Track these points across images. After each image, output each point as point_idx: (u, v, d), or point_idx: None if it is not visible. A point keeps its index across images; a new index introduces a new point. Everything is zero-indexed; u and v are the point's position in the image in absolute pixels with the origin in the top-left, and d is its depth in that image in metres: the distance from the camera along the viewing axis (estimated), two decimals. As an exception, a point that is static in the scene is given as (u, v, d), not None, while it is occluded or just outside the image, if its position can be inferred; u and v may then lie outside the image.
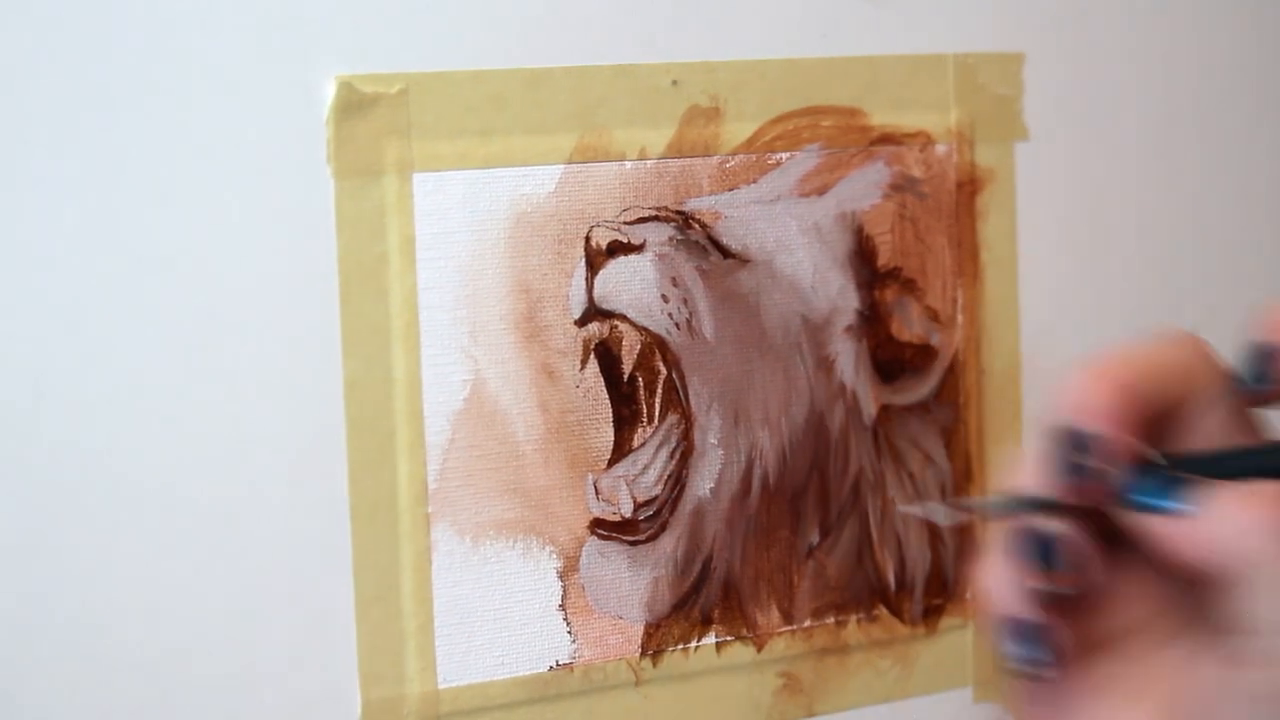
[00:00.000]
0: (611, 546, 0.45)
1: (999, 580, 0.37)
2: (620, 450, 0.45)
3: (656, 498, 0.45)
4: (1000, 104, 0.49)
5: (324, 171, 0.42)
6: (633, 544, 0.45)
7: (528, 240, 0.43)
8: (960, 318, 0.49)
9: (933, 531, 0.49)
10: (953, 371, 0.48)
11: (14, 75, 0.39)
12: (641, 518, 0.45)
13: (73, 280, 0.40)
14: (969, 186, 0.49)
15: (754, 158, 0.46)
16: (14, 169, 0.39)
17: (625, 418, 0.45)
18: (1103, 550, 0.38)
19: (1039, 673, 0.37)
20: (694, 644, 0.46)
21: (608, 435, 0.45)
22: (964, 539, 0.49)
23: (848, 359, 0.47)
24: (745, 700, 0.47)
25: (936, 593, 0.49)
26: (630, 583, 0.45)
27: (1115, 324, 0.51)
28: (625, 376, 0.45)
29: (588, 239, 0.44)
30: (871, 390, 0.47)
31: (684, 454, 0.45)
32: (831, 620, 0.47)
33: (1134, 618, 0.39)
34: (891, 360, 0.48)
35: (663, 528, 0.45)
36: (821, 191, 0.47)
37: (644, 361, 0.45)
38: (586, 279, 0.44)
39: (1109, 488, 0.37)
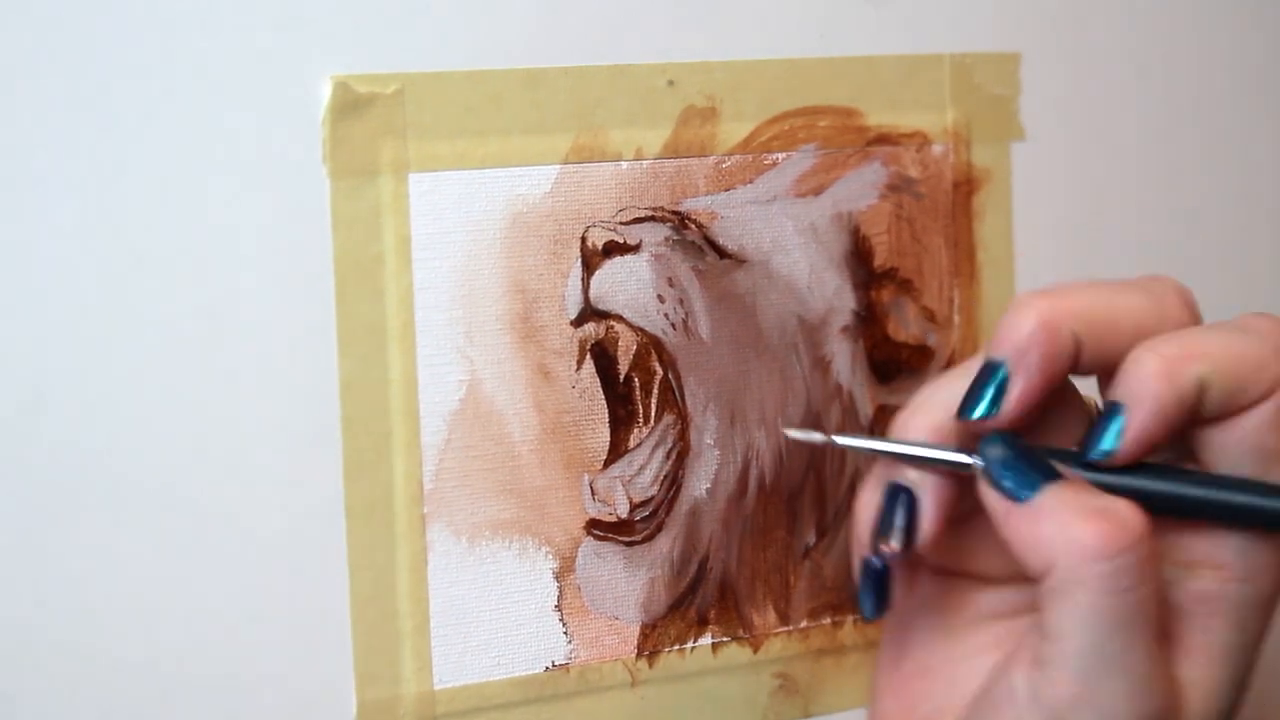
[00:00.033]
0: (607, 547, 0.45)
1: (862, 519, 0.38)
2: (616, 451, 0.45)
3: (653, 498, 0.45)
4: (997, 104, 0.49)
5: (319, 171, 0.42)
6: (629, 545, 0.45)
7: (524, 240, 0.44)
8: (957, 318, 0.49)
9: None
10: (950, 372, 0.48)
11: (13, 75, 0.39)
12: (638, 518, 0.45)
13: (69, 279, 0.40)
14: (965, 186, 0.49)
15: (750, 158, 0.46)
16: (12, 169, 0.39)
17: (621, 418, 0.45)
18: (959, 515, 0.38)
19: (869, 617, 0.38)
20: (690, 645, 0.46)
21: (604, 436, 0.45)
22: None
23: (844, 359, 0.47)
24: (741, 701, 0.47)
25: (934, 593, 0.49)
26: (626, 583, 0.45)
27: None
28: (621, 377, 0.45)
29: (584, 239, 0.44)
30: (868, 391, 0.47)
31: (680, 454, 0.45)
32: (828, 621, 0.47)
33: (991, 566, 0.39)
34: (888, 361, 0.48)
35: (659, 528, 0.45)
36: (818, 192, 0.47)
37: (640, 362, 0.45)
38: (582, 279, 0.44)
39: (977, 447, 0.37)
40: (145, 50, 0.40)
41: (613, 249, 0.44)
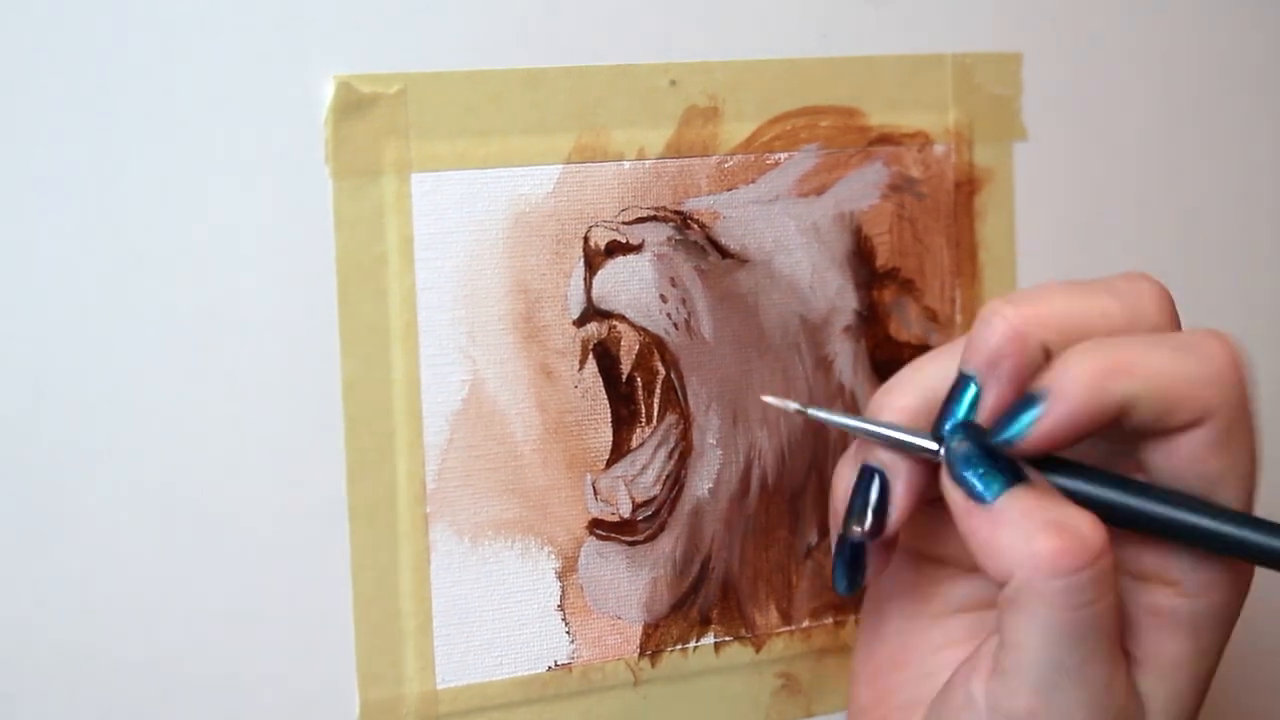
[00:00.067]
0: (610, 547, 0.45)
1: (837, 497, 0.38)
2: (619, 450, 0.45)
3: (655, 498, 0.45)
4: (998, 104, 0.49)
5: (322, 171, 0.42)
6: (631, 544, 0.45)
7: (526, 240, 0.44)
8: (959, 318, 0.49)
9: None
10: (951, 371, 0.48)
11: (13, 75, 0.39)
12: (640, 518, 0.45)
13: (69, 279, 0.40)
14: (967, 186, 0.49)
15: (752, 158, 0.46)
16: (12, 169, 0.39)
17: (624, 418, 0.45)
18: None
19: (843, 592, 0.38)
20: (692, 644, 0.46)
21: (606, 435, 0.45)
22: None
23: (846, 359, 0.47)
24: (744, 700, 0.47)
25: (935, 593, 0.49)
26: (629, 583, 0.45)
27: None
28: (624, 377, 0.45)
29: (586, 239, 0.44)
30: (870, 390, 0.47)
31: (682, 454, 0.45)
32: (830, 620, 0.48)
33: (964, 554, 0.39)
34: (890, 360, 0.48)
35: (661, 528, 0.45)
36: (820, 192, 0.47)
37: (642, 362, 0.45)
38: (585, 279, 0.44)
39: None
40: (145, 50, 0.40)
41: (615, 249, 0.44)
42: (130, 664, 0.40)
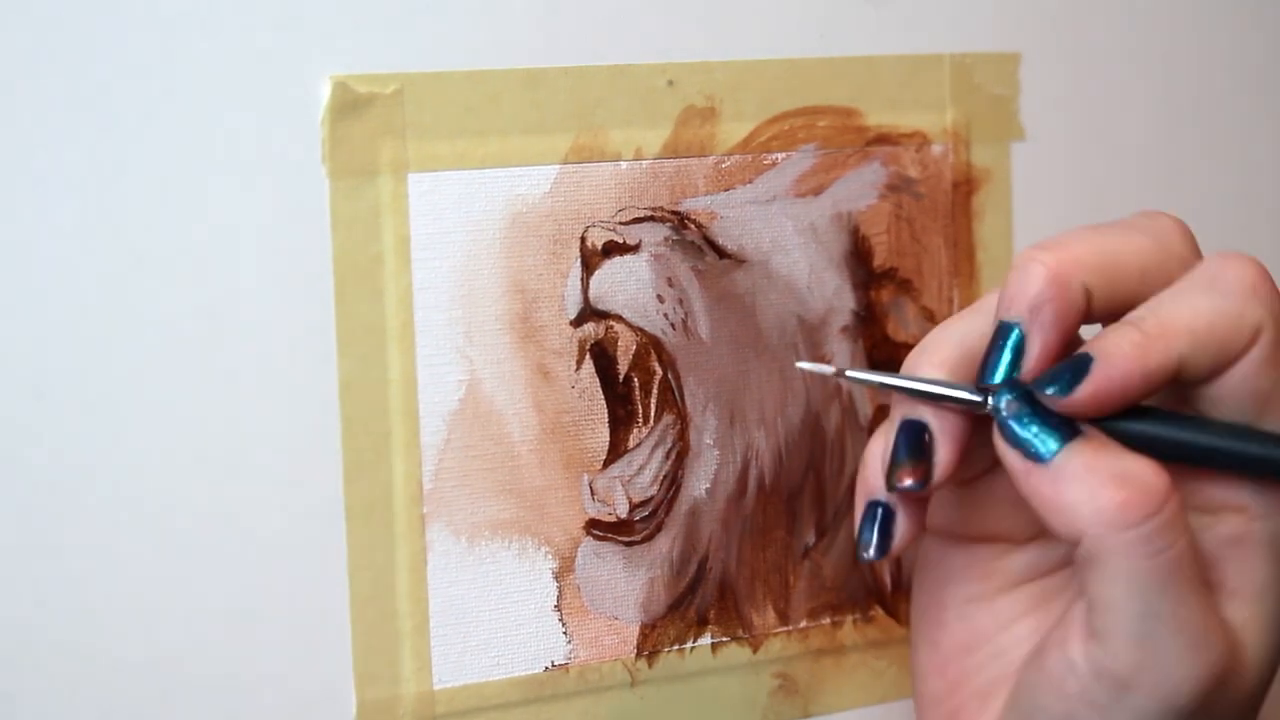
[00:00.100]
0: (607, 547, 0.45)
1: (872, 461, 0.38)
2: (616, 451, 0.45)
3: (652, 498, 0.45)
4: (996, 104, 0.49)
5: (319, 171, 0.42)
6: (628, 545, 0.45)
7: (523, 240, 0.44)
8: (957, 318, 0.49)
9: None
10: (950, 372, 0.48)
11: (13, 75, 0.39)
12: (637, 518, 0.45)
13: (69, 279, 0.40)
14: (965, 187, 0.49)
15: (750, 158, 0.46)
16: (12, 169, 0.39)
17: (621, 418, 0.45)
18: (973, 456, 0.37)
19: (871, 556, 0.37)
20: (689, 645, 0.46)
21: (603, 436, 0.45)
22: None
23: (844, 359, 0.47)
24: (741, 701, 0.47)
25: (934, 593, 0.48)
26: (626, 583, 0.45)
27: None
28: (621, 377, 0.45)
29: (583, 239, 0.44)
30: (867, 391, 0.47)
31: (680, 454, 0.45)
32: (827, 621, 0.47)
33: (1015, 527, 0.38)
34: (887, 361, 0.48)
35: (658, 528, 0.45)
36: (817, 192, 0.47)
37: (639, 362, 0.45)
38: (582, 279, 0.44)
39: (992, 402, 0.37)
40: (145, 50, 0.40)
41: (612, 249, 0.44)
42: (130, 664, 0.40)
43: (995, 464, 0.38)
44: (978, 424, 0.37)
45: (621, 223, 0.45)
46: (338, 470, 0.42)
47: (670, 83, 0.45)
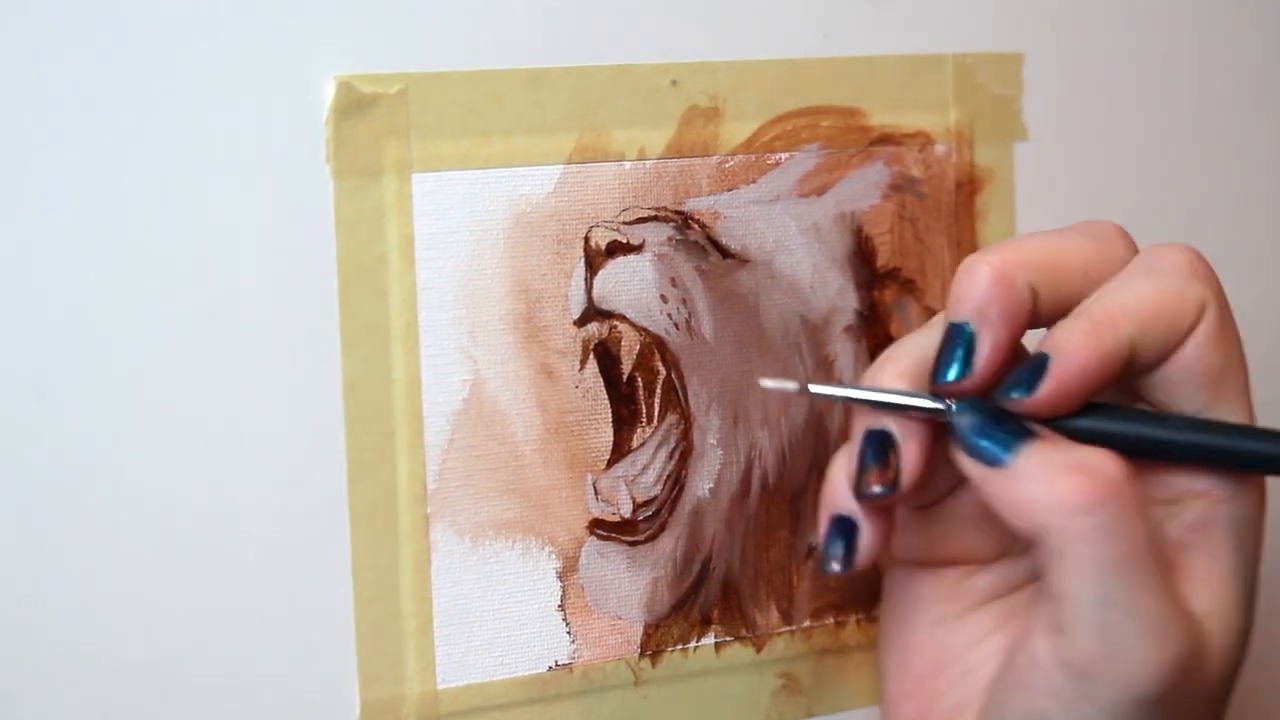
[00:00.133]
0: (611, 547, 0.45)
1: (837, 475, 0.38)
2: (619, 450, 0.45)
3: (656, 498, 0.45)
4: (999, 104, 0.49)
5: (323, 171, 0.42)
6: (632, 544, 0.45)
7: (527, 240, 0.44)
8: (959, 318, 0.49)
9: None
10: (952, 372, 0.48)
11: (13, 75, 0.39)
12: (641, 518, 0.45)
13: (69, 279, 0.40)
14: (968, 187, 0.49)
15: (753, 158, 0.46)
16: (12, 169, 0.39)
17: (624, 418, 0.45)
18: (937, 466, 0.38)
19: (837, 569, 0.38)
20: (693, 644, 0.46)
21: (607, 435, 0.45)
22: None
23: (847, 359, 0.47)
24: (744, 701, 0.47)
25: (936, 593, 0.49)
26: (629, 583, 0.45)
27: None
28: (624, 377, 0.45)
29: (587, 239, 0.44)
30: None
31: (683, 454, 0.45)
32: (831, 621, 0.48)
33: (980, 547, 0.39)
34: (890, 360, 0.48)
35: (662, 528, 0.45)
36: (821, 192, 0.47)
37: (643, 362, 0.45)
38: (586, 279, 0.44)
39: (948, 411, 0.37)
40: (146, 50, 0.40)
41: (616, 249, 0.44)
42: (130, 664, 0.40)
43: (957, 485, 0.39)
44: (939, 432, 0.38)
45: (625, 222, 0.44)
46: (341, 470, 0.42)
47: (673, 83, 0.45)
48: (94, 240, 0.40)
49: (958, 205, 0.48)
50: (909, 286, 0.48)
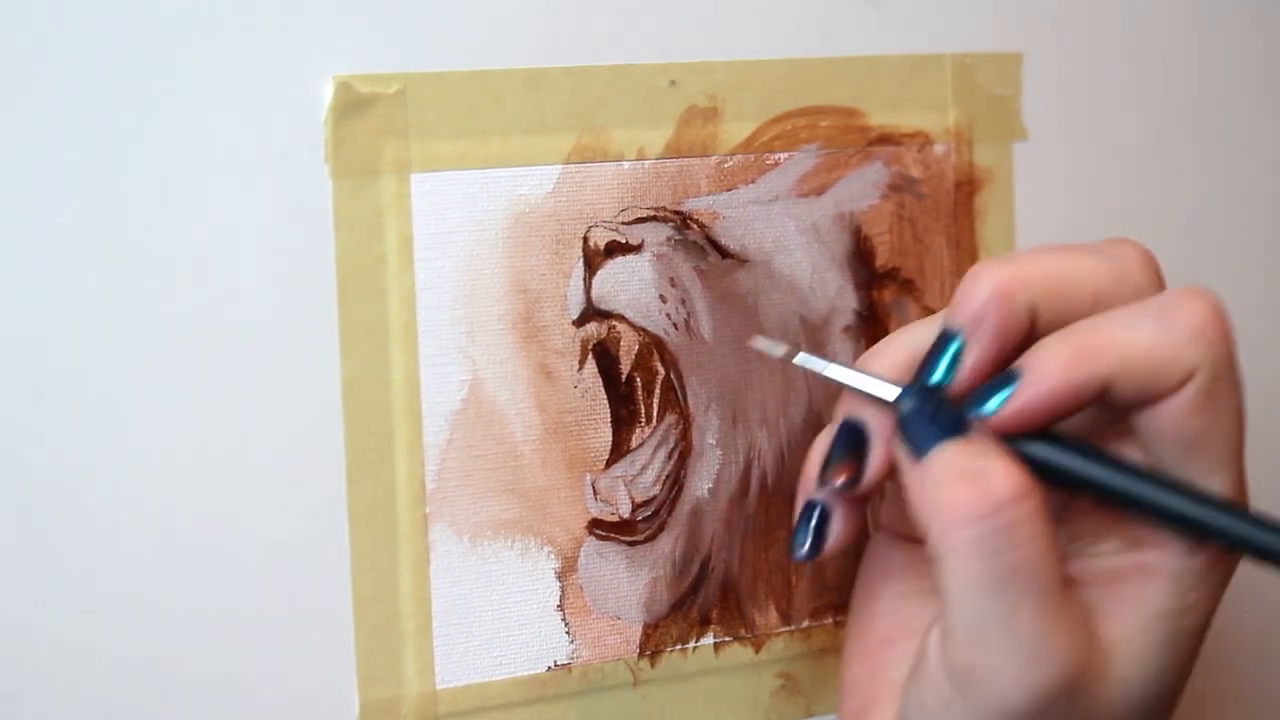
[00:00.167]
0: (610, 547, 0.45)
1: (813, 459, 0.38)
2: (618, 450, 0.45)
3: (655, 498, 0.45)
4: (998, 104, 0.49)
5: (321, 171, 0.42)
6: (631, 544, 0.45)
7: (526, 240, 0.44)
8: (959, 318, 0.49)
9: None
10: (951, 372, 0.48)
11: (13, 75, 0.39)
12: (639, 518, 0.45)
13: (69, 279, 0.40)
14: (967, 187, 0.49)
15: (752, 158, 0.46)
16: (12, 169, 0.39)
17: (623, 418, 0.45)
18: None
19: (803, 555, 0.38)
20: (692, 644, 0.46)
21: (606, 435, 0.45)
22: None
23: (846, 359, 0.47)
24: (743, 701, 0.47)
25: (935, 593, 0.49)
26: (628, 583, 0.45)
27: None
28: (623, 377, 0.45)
29: (585, 239, 0.44)
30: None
31: (682, 454, 0.45)
32: (830, 621, 0.48)
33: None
34: (890, 360, 0.48)
35: (661, 528, 0.45)
36: (820, 192, 0.47)
37: (642, 362, 0.45)
38: (584, 279, 0.44)
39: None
40: (145, 50, 0.40)
41: (615, 249, 0.44)
42: (130, 664, 0.40)
43: None
44: None
45: (624, 223, 0.45)
46: (340, 470, 0.42)
47: (672, 83, 0.45)
48: (94, 240, 0.40)
49: (957, 205, 0.48)
50: (908, 286, 0.48)
